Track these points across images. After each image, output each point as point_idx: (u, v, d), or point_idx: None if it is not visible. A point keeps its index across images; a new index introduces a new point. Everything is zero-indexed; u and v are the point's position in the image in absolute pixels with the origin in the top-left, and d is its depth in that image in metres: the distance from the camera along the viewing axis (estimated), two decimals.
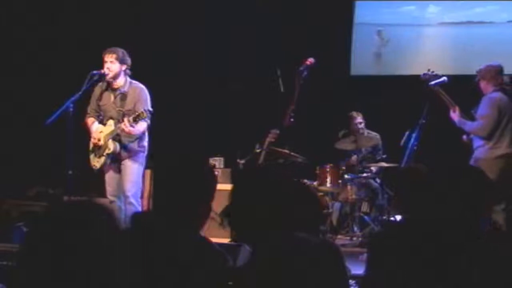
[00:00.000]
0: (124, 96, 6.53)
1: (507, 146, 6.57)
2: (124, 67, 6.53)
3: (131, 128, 6.32)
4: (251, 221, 2.50)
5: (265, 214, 2.47)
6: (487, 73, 6.68)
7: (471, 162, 6.53)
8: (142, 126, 6.46)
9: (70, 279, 1.62)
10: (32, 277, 1.63)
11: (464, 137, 6.78)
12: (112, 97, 6.58)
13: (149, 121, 6.52)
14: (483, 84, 6.68)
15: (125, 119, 6.32)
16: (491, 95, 6.62)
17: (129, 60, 6.55)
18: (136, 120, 6.28)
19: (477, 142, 6.62)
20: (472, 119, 6.69)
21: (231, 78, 8.89)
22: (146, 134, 6.64)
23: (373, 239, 4.25)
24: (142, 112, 6.26)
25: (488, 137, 6.55)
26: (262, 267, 2.46)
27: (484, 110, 6.57)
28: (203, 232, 4.73)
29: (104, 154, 6.51)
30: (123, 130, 6.34)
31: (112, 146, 6.48)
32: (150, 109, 6.41)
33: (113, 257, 1.68)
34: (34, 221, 1.72)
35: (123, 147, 6.50)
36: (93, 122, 6.66)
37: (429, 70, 6.93)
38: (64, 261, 1.62)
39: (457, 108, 6.68)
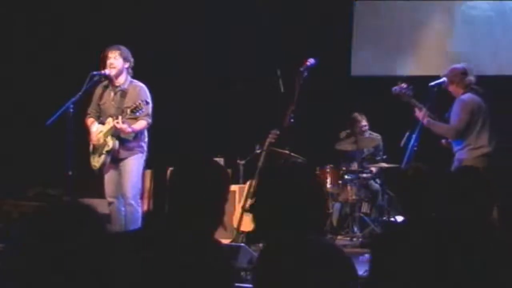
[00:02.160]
0: (124, 93, 6.53)
1: (487, 145, 6.59)
2: (127, 65, 6.54)
3: (123, 126, 6.32)
4: (272, 220, 2.51)
5: (287, 213, 2.48)
6: (454, 77, 6.64)
7: (455, 163, 6.54)
8: (140, 124, 6.46)
9: (61, 280, 1.62)
10: (19, 278, 1.63)
11: (443, 141, 6.79)
12: (112, 95, 6.58)
13: (149, 120, 6.51)
14: (452, 88, 6.65)
15: (119, 117, 6.33)
16: (463, 98, 6.59)
17: (131, 59, 6.57)
18: (133, 111, 6.29)
19: (456, 145, 6.63)
20: (447, 123, 6.70)
21: (235, 79, 8.89)
22: (146, 134, 6.63)
23: (375, 240, 4.25)
24: (139, 103, 6.28)
25: (459, 139, 6.55)
26: (273, 266, 2.46)
27: (456, 112, 6.56)
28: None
29: (104, 152, 6.49)
30: (115, 127, 6.34)
31: (111, 143, 6.47)
32: (148, 100, 6.41)
33: (103, 258, 1.68)
34: (22, 223, 1.72)
35: (123, 143, 6.49)
36: (92, 123, 6.65)
37: (399, 83, 6.86)
38: (52, 263, 1.62)
39: (423, 109, 6.64)
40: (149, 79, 6.75)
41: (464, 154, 6.56)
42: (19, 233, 1.69)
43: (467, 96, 6.59)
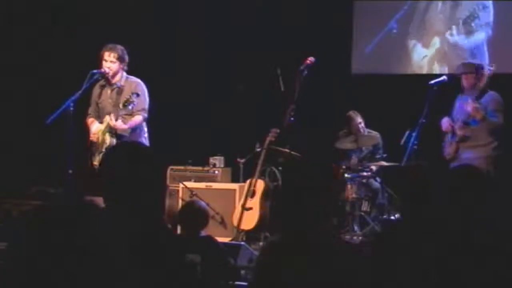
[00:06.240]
0: (120, 90, 6.57)
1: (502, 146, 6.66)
2: (123, 65, 6.57)
3: (117, 123, 6.34)
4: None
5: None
6: (480, 69, 6.70)
7: (474, 159, 6.49)
8: (136, 119, 6.48)
9: (62, 279, 1.62)
10: (21, 276, 1.63)
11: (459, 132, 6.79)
12: (109, 92, 6.62)
13: (145, 115, 6.53)
14: (472, 78, 6.65)
15: (111, 115, 6.36)
16: (497, 95, 6.65)
17: (127, 58, 6.59)
18: (125, 105, 6.31)
19: (479, 140, 6.63)
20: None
21: (235, 79, 8.88)
22: (145, 131, 6.64)
23: (374, 239, 4.26)
24: (129, 97, 6.30)
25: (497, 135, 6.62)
26: (272, 265, 2.46)
27: (497, 109, 6.60)
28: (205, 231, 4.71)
29: (103, 150, 6.51)
30: (108, 124, 6.37)
31: (108, 140, 6.48)
32: (139, 93, 6.40)
33: (107, 257, 1.68)
34: (23, 221, 1.72)
35: (120, 140, 6.49)
36: (92, 122, 6.68)
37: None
38: (55, 261, 1.62)
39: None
40: (149, 79, 6.76)
41: (484, 151, 6.54)
42: (19, 232, 1.69)
43: (497, 94, 6.63)
